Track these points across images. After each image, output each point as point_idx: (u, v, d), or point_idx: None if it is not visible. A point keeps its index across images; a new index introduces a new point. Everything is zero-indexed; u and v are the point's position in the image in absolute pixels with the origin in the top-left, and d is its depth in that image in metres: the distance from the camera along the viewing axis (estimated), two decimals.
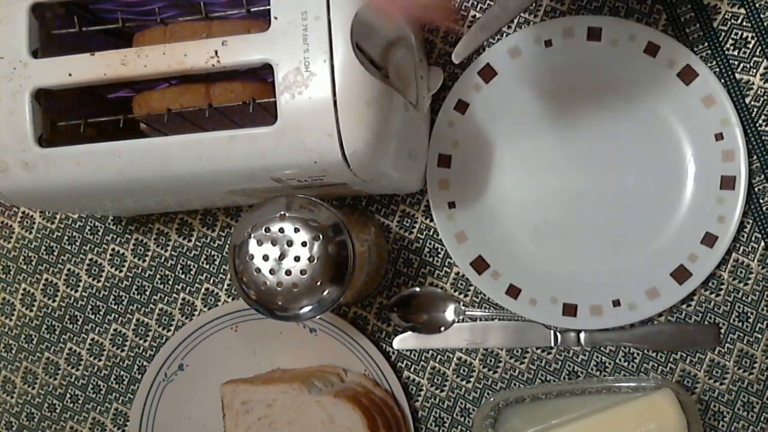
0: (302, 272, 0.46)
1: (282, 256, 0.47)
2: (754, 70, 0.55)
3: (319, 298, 0.47)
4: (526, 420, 0.55)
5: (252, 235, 0.47)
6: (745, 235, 0.55)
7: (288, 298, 0.47)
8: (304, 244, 0.47)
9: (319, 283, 0.47)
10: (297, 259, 0.47)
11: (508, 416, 0.55)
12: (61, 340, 0.64)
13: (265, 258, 0.47)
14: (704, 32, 0.55)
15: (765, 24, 0.54)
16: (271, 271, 0.47)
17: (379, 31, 0.47)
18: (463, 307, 0.58)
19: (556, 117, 0.57)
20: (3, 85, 0.45)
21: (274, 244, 0.47)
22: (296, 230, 0.47)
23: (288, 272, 0.47)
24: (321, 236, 0.47)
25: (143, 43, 0.46)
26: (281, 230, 0.47)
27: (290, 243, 0.47)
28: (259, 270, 0.47)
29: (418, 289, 0.59)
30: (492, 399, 0.55)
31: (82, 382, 0.64)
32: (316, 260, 0.46)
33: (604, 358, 0.57)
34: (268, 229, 0.47)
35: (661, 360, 0.56)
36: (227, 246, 0.62)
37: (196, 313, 0.62)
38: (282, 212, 0.47)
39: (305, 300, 0.47)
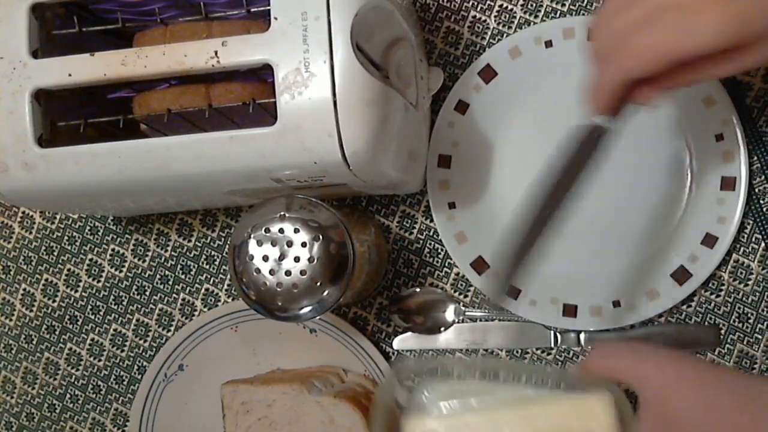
0: (302, 273, 0.46)
1: (282, 257, 0.47)
2: (755, 71, 0.55)
3: (319, 299, 0.47)
4: (444, 393, 0.48)
5: (252, 236, 0.47)
6: (746, 235, 0.55)
7: (288, 299, 0.47)
8: (303, 244, 0.47)
9: (319, 284, 0.47)
10: (297, 259, 0.47)
11: (427, 385, 0.48)
12: (61, 340, 0.64)
13: (265, 258, 0.47)
14: None
15: None
16: (271, 272, 0.47)
17: (379, 32, 0.47)
18: (463, 308, 0.58)
19: (556, 118, 0.57)
20: (3, 85, 0.45)
21: (273, 244, 0.47)
22: (296, 231, 0.47)
23: (288, 273, 0.47)
24: (321, 237, 0.47)
25: (143, 44, 0.46)
26: (281, 231, 0.47)
27: (290, 243, 0.47)
28: (259, 270, 0.47)
29: (418, 289, 0.59)
30: (412, 364, 0.47)
31: (82, 382, 0.64)
32: (316, 261, 0.46)
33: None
34: (268, 230, 0.47)
35: None
36: (227, 246, 0.62)
37: (196, 313, 0.62)
38: (282, 213, 0.47)
39: (305, 300, 0.47)
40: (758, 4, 0.36)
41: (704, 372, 0.40)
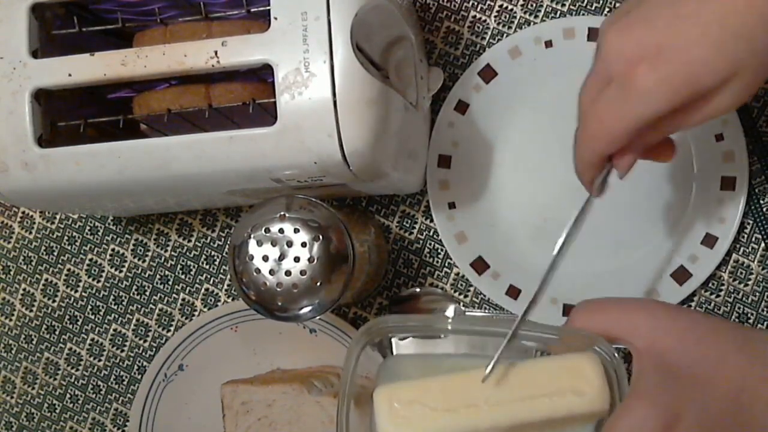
0: (302, 273, 0.46)
1: (282, 257, 0.47)
2: None
3: (319, 299, 0.47)
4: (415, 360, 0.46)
5: (252, 236, 0.47)
6: (746, 235, 0.55)
7: (288, 299, 0.47)
8: (303, 244, 0.47)
9: (318, 284, 0.47)
10: (297, 259, 0.47)
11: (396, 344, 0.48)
12: (61, 340, 0.64)
13: (265, 258, 0.47)
14: None
15: None
16: (271, 272, 0.47)
17: (379, 32, 0.47)
18: (463, 308, 0.58)
19: (556, 117, 0.57)
20: (3, 85, 0.45)
21: (273, 244, 0.47)
22: (296, 231, 0.47)
23: (288, 273, 0.47)
24: (321, 237, 0.47)
25: (143, 44, 0.46)
26: (281, 231, 0.47)
27: (290, 243, 0.47)
28: (258, 270, 0.47)
29: (418, 289, 0.59)
30: (380, 325, 0.44)
31: (82, 382, 0.64)
32: (315, 261, 0.46)
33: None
34: (267, 230, 0.47)
35: None
36: (227, 246, 0.61)
37: (196, 313, 0.62)
38: (282, 213, 0.47)
39: (305, 300, 0.47)
40: (681, 66, 0.36)
41: (696, 318, 0.40)
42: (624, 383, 0.40)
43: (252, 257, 0.47)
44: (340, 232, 0.47)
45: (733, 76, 0.36)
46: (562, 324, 0.44)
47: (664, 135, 0.42)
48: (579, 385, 0.40)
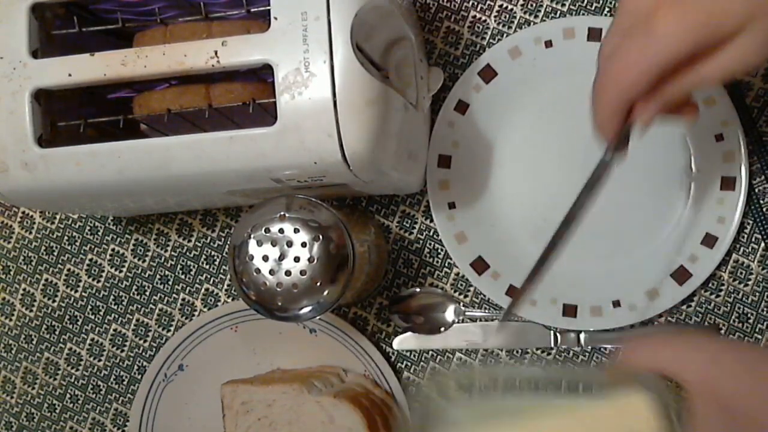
0: (302, 273, 0.46)
1: (282, 257, 0.47)
2: (755, 71, 0.55)
3: (319, 299, 0.47)
4: (472, 414, 0.45)
5: (252, 236, 0.47)
6: (746, 235, 0.55)
7: (288, 299, 0.47)
8: (303, 244, 0.47)
9: (318, 284, 0.47)
10: (297, 259, 0.47)
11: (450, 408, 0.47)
12: (61, 340, 0.64)
13: (265, 258, 0.47)
14: None
15: None
16: (271, 272, 0.47)
17: (379, 32, 0.47)
18: (463, 308, 0.58)
19: (556, 117, 0.57)
20: (3, 85, 0.45)
21: (273, 244, 0.47)
22: (296, 231, 0.47)
23: (288, 273, 0.47)
24: (321, 237, 0.47)
25: (143, 44, 0.46)
26: (281, 231, 0.47)
27: (290, 243, 0.47)
28: (258, 270, 0.47)
29: (418, 289, 0.59)
30: (427, 385, 0.48)
31: (82, 382, 0.64)
32: (315, 261, 0.46)
33: (604, 358, 0.57)
34: (267, 230, 0.47)
35: None
36: (227, 246, 0.61)
37: (196, 313, 0.62)
38: (282, 213, 0.47)
39: (305, 300, 0.47)
40: (701, 7, 0.38)
41: (755, 355, 0.38)
42: (682, 419, 0.40)
43: (252, 257, 0.47)
44: (340, 232, 0.47)
45: (750, 21, 0.37)
46: (610, 364, 0.43)
47: (684, 89, 0.41)
48: (635, 426, 0.40)
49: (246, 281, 0.47)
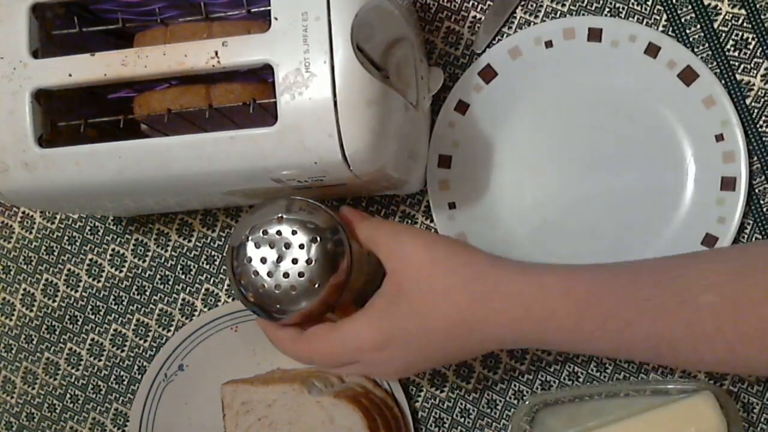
0: (300, 274, 0.46)
1: (280, 259, 0.46)
2: (755, 71, 0.55)
3: (318, 300, 0.47)
4: (563, 421, 0.54)
5: (250, 238, 0.47)
6: (746, 236, 0.55)
7: (286, 301, 0.47)
8: (301, 246, 0.46)
9: (317, 285, 0.47)
10: (295, 261, 0.46)
11: (545, 417, 0.55)
12: (61, 340, 0.64)
13: (263, 260, 0.47)
14: (705, 33, 0.55)
15: (766, 25, 0.54)
16: (269, 274, 0.47)
17: (379, 32, 0.47)
18: None
19: (557, 118, 0.57)
20: (3, 85, 0.45)
21: (271, 246, 0.47)
22: (294, 232, 0.47)
23: (286, 275, 0.47)
24: (319, 238, 0.47)
25: (143, 44, 0.46)
26: (279, 233, 0.47)
27: (288, 245, 0.47)
28: (257, 273, 0.47)
29: None
30: (528, 402, 0.54)
31: (82, 382, 0.64)
32: (313, 262, 0.46)
33: (604, 359, 0.57)
34: (265, 232, 0.47)
35: None
36: (227, 246, 0.61)
37: (196, 313, 0.62)
38: (280, 215, 0.47)
39: (303, 302, 0.47)
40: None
41: (449, 252, 0.46)
42: (738, 420, 0.50)
43: (250, 259, 0.47)
44: (337, 233, 0.47)
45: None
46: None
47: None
48: (700, 424, 0.49)
49: (244, 283, 0.47)
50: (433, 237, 0.49)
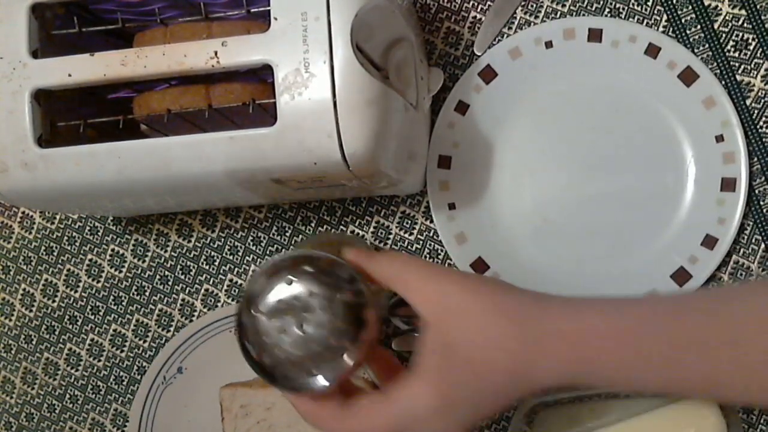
0: (328, 336, 0.41)
1: (300, 325, 0.41)
2: (755, 72, 0.55)
3: (339, 360, 0.41)
4: (563, 421, 0.54)
5: (261, 311, 0.42)
6: (746, 237, 0.55)
7: (318, 368, 0.41)
8: (322, 306, 0.41)
9: (350, 343, 0.41)
10: (320, 324, 0.41)
11: (545, 417, 0.54)
12: (61, 340, 0.64)
13: (283, 331, 0.41)
14: (705, 34, 0.55)
15: (766, 26, 0.54)
16: (293, 345, 0.41)
17: (379, 32, 0.47)
18: None
19: (557, 118, 0.57)
20: (3, 85, 0.45)
21: (287, 313, 0.41)
22: (310, 293, 0.41)
23: (312, 340, 0.41)
24: (338, 294, 0.41)
25: (143, 44, 0.46)
26: (294, 297, 0.41)
27: (306, 308, 0.41)
28: (277, 346, 0.42)
29: None
30: (528, 402, 0.54)
31: (82, 382, 0.64)
32: (341, 320, 0.41)
33: None
34: (278, 300, 0.41)
35: None
36: (226, 249, 0.61)
37: (196, 313, 0.62)
38: (288, 277, 0.42)
39: (337, 367, 0.41)
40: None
41: (495, 297, 0.42)
42: (737, 421, 0.50)
43: (267, 333, 0.42)
44: (356, 282, 0.42)
45: None
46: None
47: None
48: (700, 425, 0.49)
49: (268, 361, 0.42)
50: (475, 281, 0.43)
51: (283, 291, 0.42)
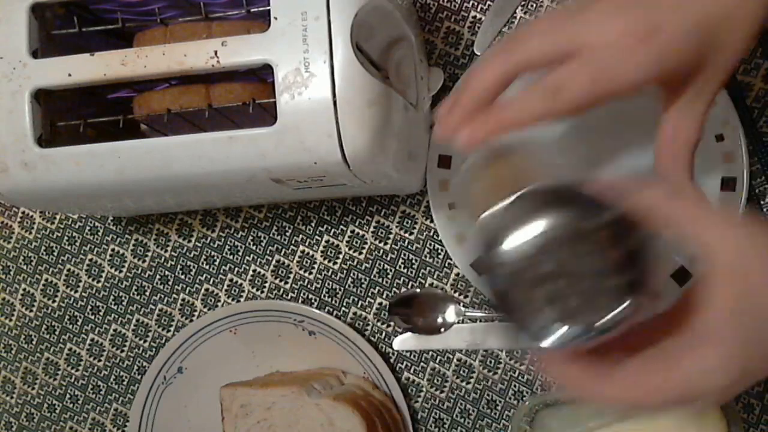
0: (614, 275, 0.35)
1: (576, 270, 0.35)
2: (755, 72, 0.55)
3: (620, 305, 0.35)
4: (563, 421, 0.54)
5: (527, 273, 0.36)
6: None
7: (600, 314, 0.35)
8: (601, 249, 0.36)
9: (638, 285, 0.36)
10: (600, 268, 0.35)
11: (544, 418, 0.55)
12: (61, 340, 0.64)
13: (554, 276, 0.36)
14: None
15: (766, 26, 0.54)
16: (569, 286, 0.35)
17: (379, 32, 0.47)
18: (463, 308, 0.58)
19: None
20: (3, 85, 0.45)
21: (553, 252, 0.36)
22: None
23: (592, 280, 0.35)
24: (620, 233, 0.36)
25: (143, 44, 0.46)
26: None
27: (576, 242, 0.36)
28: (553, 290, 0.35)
29: (418, 290, 0.59)
30: (528, 402, 0.54)
31: (82, 382, 0.64)
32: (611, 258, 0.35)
33: None
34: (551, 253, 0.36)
35: None
36: (227, 249, 0.62)
37: (196, 313, 0.62)
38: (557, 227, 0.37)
39: (624, 312, 0.35)
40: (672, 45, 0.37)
41: None
42: (737, 419, 0.49)
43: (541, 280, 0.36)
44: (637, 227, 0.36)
45: (697, 69, 0.38)
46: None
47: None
48: (700, 424, 0.50)
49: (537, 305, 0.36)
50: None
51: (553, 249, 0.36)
